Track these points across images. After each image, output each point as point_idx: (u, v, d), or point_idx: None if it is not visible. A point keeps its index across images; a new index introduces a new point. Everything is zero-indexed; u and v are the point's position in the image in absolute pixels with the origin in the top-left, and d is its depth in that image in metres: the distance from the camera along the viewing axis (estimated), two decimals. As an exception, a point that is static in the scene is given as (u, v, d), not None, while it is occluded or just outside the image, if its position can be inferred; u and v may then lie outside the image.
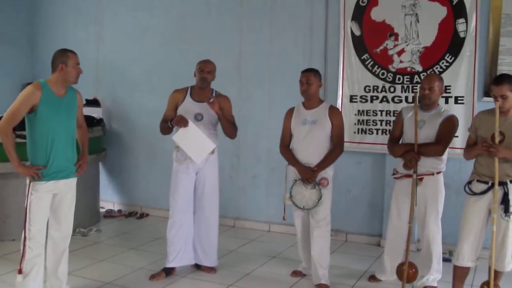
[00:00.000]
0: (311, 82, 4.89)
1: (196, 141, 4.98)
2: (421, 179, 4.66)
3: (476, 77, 5.74)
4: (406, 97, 6.03)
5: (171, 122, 5.03)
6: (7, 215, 6.17)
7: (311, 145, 4.88)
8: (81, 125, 4.56)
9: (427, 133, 4.67)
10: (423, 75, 5.89)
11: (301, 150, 4.93)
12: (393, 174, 4.92)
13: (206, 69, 5.09)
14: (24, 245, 4.12)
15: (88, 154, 4.61)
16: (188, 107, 5.07)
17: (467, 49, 5.76)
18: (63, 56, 4.19)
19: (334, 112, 4.95)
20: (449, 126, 4.66)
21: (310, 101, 4.97)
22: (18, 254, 4.18)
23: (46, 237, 4.34)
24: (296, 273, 5.26)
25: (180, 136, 4.97)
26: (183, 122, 4.92)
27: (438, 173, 4.71)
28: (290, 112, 5.10)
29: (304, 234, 5.09)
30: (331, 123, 4.88)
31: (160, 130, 5.22)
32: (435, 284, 4.83)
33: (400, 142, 4.93)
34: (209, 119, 5.10)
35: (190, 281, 5.10)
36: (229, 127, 5.18)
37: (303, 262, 5.25)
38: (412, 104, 4.86)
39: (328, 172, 4.91)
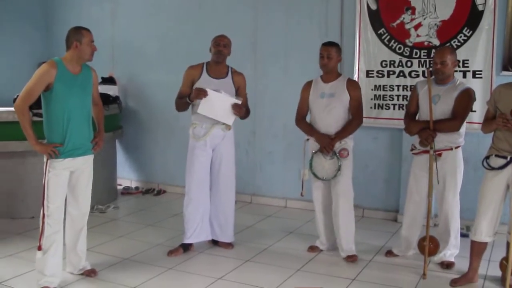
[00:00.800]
0: (332, 57, 4.89)
1: (221, 104, 4.96)
2: (439, 155, 4.63)
3: (494, 51, 5.64)
4: (423, 72, 5.96)
5: (189, 98, 5.01)
6: (26, 193, 6.23)
7: (329, 118, 4.88)
8: (97, 102, 4.58)
9: (443, 108, 4.61)
10: (440, 49, 5.83)
11: (320, 123, 4.93)
12: (412, 149, 4.88)
13: (222, 43, 5.06)
14: (43, 222, 4.17)
15: (105, 132, 4.63)
16: (205, 83, 5.02)
17: (486, 22, 5.66)
18: (77, 34, 4.19)
19: (352, 85, 4.96)
20: (465, 100, 4.59)
21: (329, 74, 4.97)
22: (37, 231, 4.23)
23: (65, 214, 4.39)
24: (312, 249, 5.27)
25: (204, 107, 4.91)
26: (202, 93, 4.87)
27: (456, 147, 4.67)
28: (308, 85, 5.09)
29: (323, 208, 5.12)
30: (350, 96, 4.88)
31: (176, 107, 5.20)
32: (452, 259, 4.83)
33: (417, 117, 4.89)
34: (225, 96, 5.08)
35: (208, 257, 5.14)
36: (244, 116, 5.22)
37: (320, 236, 5.27)
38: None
39: (348, 143, 4.94)
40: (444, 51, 4.65)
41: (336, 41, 5.63)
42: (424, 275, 4.55)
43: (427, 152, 4.66)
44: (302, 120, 5.09)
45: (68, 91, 4.15)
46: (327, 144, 4.82)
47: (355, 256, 5.00)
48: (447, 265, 4.78)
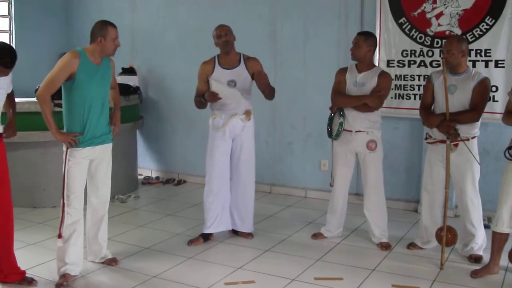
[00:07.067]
0: (359, 45, 4.90)
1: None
2: (456, 145, 4.57)
3: (517, 40, 5.58)
4: (445, 61, 5.91)
5: (203, 98, 5.03)
6: (47, 183, 6.30)
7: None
8: (114, 86, 4.65)
9: (460, 98, 4.54)
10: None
11: (348, 111, 4.96)
12: (426, 138, 4.83)
13: (223, 33, 5.04)
14: (63, 211, 4.22)
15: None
16: (220, 75, 5.03)
17: (509, 11, 5.57)
18: (102, 30, 4.21)
19: (381, 76, 4.94)
20: (483, 90, 4.52)
21: (361, 64, 4.99)
22: (58, 221, 4.27)
23: (86, 203, 4.43)
24: (316, 236, 5.35)
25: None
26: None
27: (473, 138, 4.60)
28: (343, 71, 5.10)
29: (343, 193, 5.21)
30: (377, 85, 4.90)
31: (196, 105, 5.21)
32: (480, 253, 4.72)
33: (432, 108, 4.82)
34: (242, 84, 5.07)
35: (228, 247, 5.16)
36: (267, 85, 5.02)
37: (327, 224, 5.35)
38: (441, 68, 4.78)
39: (376, 134, 5.00)
40: (450, 41, 4.60)
41: (356, 30, 5.61)
42: (442, 265, 4.53)
43: (442, 141, 4.62)
44: (340, 92, 5.05)
45: (89, 81, 4.18)
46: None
47: (386, 243, 5.08)
48: (475, 259, 4.68)
